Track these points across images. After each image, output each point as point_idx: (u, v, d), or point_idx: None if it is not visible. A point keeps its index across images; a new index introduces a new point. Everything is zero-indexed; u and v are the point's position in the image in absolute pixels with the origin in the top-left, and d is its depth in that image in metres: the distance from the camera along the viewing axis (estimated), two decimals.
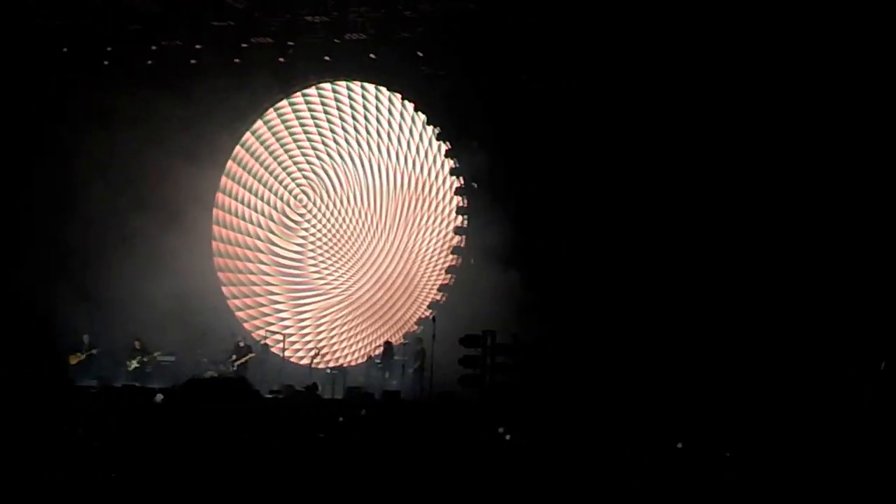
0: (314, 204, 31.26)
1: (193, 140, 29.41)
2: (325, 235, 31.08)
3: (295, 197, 31.44)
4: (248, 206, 31.67)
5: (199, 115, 29.51)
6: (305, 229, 31.35)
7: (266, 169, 31.67)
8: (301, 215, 31.42)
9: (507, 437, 16.94)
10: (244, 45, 29.20)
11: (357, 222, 30.73)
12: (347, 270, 30.79)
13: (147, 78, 29.65)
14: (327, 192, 31.09)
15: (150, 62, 29.79)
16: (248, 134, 31.40)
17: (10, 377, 19.88)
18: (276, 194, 31.64)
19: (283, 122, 31.40)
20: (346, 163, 30.88)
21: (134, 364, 29.14)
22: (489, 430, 17.50)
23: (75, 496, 8.22)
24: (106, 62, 29.65)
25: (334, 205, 30.99)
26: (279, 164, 31.61)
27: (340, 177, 30.94)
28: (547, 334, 24.81)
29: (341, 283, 30.83)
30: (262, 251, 31.64)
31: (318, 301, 30.96)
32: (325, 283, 30.99)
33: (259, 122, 31.36)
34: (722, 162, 24.60)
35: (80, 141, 28.78)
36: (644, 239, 25.09)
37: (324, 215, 31.10)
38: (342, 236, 30.83)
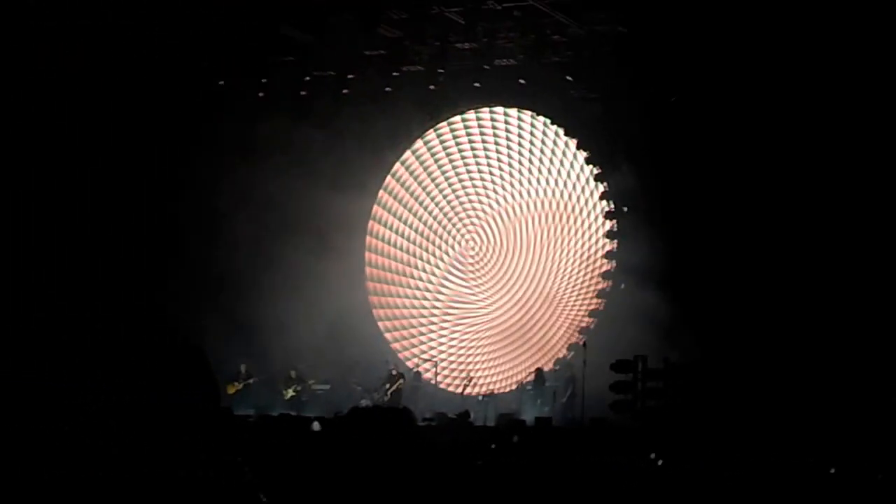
0: (465, 230, 31.38)
1: (342, 168, 29.72)
2: (476, 262, 31.16)
3: (446, 225, 31.59)
4: (400, 235, 31.97)
5: (349, 144, 29.90)
6: (457, 256, 31.45)
7: (415, 197, 31.95)
8: (451, 241, 31.55)
9: (660, 462, 16.81)
10: (395, 74, 29.36)
11: (507, 246, 30.75)
12: (498, 294, 30.83)
13: (300, 108, 30.03)
14: (479, 218, 31.17)
15: (303, 93, 30.15)
16: (398, 164, 31.73)
17: (168, 405, 20.13)
18: (424, 223, 31.88)
19: (431, 151, 31.66)
20: (495, 187, 30.96)
21: (290, 393, 29.34)
22: (642, 456, 17.36)
23: None
24: (261, 94, 30.06)
25: (485, 231, 31.06)
26: (427, 193, 31.88)
27: (490, 201, 31.02)
28: (699, 358, 24.31)
29: (492, 307, 30.87)
30: (413, 277, 31.82)
31: (469, 325, 31.03)
32: (477, 308, 31.05)
33: (408, 152, 31.68)
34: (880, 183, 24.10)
35: (228, 170, 29.16)
36: (798, 259, 24.57)
37: (475, 241, 31.20)
38: (492, 261, 30.88)
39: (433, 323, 31.57)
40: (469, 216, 31.46)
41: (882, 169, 24.21)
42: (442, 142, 31.57)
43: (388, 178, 31.79)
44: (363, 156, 30.78)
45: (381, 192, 31.86)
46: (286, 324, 27.93)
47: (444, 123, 31.32)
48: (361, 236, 31.73)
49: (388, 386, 29.00)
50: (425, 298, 31.75)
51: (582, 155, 29.47)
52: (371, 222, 31.81)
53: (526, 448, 18.84)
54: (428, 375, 30.39)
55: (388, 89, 29.70)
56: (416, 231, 32.00)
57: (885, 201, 24.18)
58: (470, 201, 31.45)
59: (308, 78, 30.00)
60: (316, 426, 15.38)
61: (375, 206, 31.80)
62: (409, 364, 30.76)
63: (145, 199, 28.91)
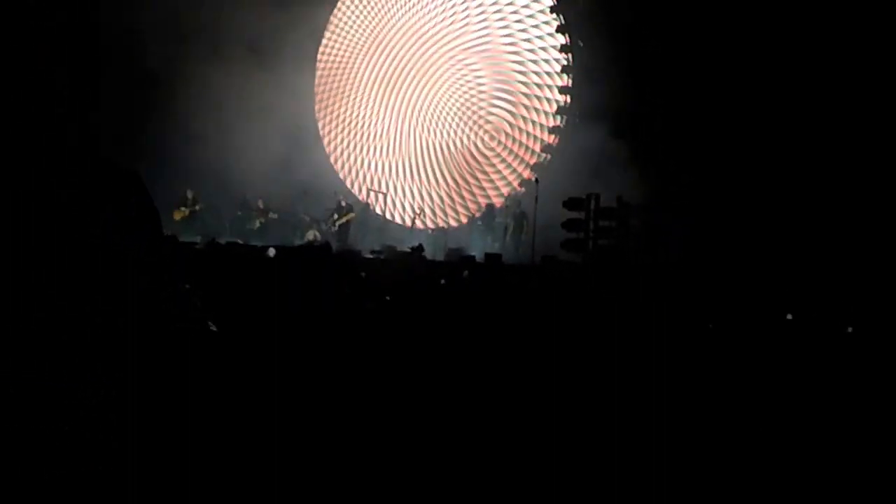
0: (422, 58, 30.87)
1: None
2: (433, 96, 30.76)
3: (402, 53, 31.06)
4: (349, 61, 31.42)
5: None
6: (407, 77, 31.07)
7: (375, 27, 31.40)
8: (405, 73, 31.09)
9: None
10: None
11: (461, 75, 30.33)
12: (450, 126, 30.45)
13: None
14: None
15: None
16: None
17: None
18: (386, 54, 31.36)
19: None
20: (454, 13, 30.39)
21: (257, 224, 29.09)
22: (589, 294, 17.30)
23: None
24: None
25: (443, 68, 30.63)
26: (386, 23, 31.28)
27: (447, 26, 30.50)
28: (652, 198, 24.16)
29: (444, 140, 30.54)
30: (362, 97, 31.41)
31: (420, 157, 30.77)
32: (428, 140, 30.74)
33: None
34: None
35: None
36: (754, 107, 24.23)
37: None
38: (444, 88, 30.51)
39: (384, 156, 31.19)
40: (430, 58, 30.83)
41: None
42: None
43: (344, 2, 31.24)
44: None
45: (334, 16, 31.36)
46: (235, 150, 27.47)
47: None
48: (313, 63, 31.22)
49: (335, 217, 28.75)
50: (377, 130, 31.33)
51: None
52: (322, 47, 31.37)
53: (475, 282, 18.84)
54: (378, 208, 30.16)
55: None
56: (373, 66, 31.50)
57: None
58: (428, 27, 30.80)
59: None
60: (272, 252, 15.16)
61: (328, 31, 31.31)
62: (359, 197, 30.51)
63: None
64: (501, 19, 29.38)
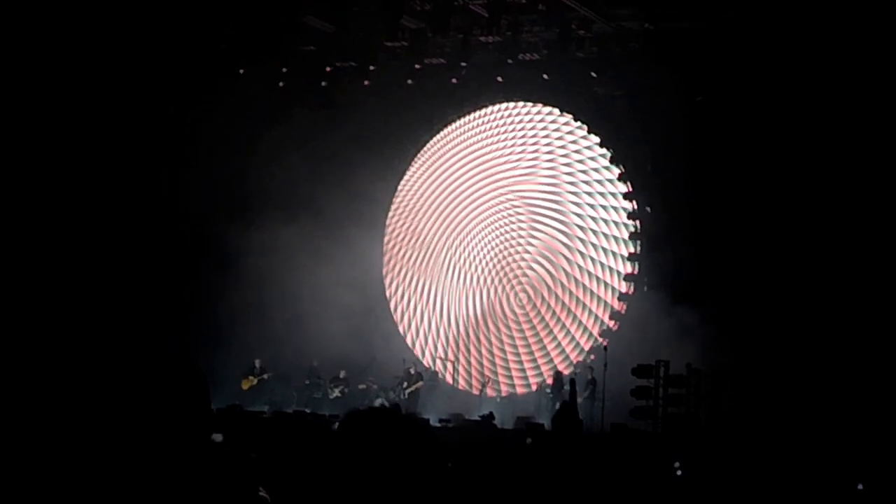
0: (487, 228, 31.21)
1: (360, 163, 29.44)
2: (494, 257, 30.89)
3: (468, 221, 31.39)
4: (421, 230, 31.91)
5: (370, 137, 29.85)
6: (477, 251, 31.27)
7: (435, 190, 31.94)
8: (472, 238, 31.40)
9: (679, 472, 16.64)
10: (417, 66, 29.16)
11: (527, 247, 30.51)
12: (518, 296, 30.51)
13: (321, 98, 29.85)
14: (500, 216, 30.96)
15: (323, 83, 29.96)
16: (418, 157, 31.84)
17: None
18: (444, 220, 31.82)
19: (452, 144, 31.61)
20: (517, 183, 30.73)
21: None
22: (663, 464, 17.21)
23: None
24: (281, 83, 29.90)
25: (506, 230, 30.84)
26: (448, 186, 31.79)
27: (511, 199, 30.80)
28: (722, 365, 23.90)
29: (511, 309, 30.57)
30: (432, 268, 31.65)
31: (489, 326, 30.76)
32: (497, 310, 30.77)
33: (428, 145, 31.71)
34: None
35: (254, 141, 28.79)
36: (825, 265, 24.14)
37: (493, 236, 31.03)
38: (512, 262, 30.63)
39: (452, 323, 31.32)
40: (490, 213, 31.15)
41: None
42: (464, 135, 31.48)
43: (408, 174, 31.82)
44: (384, 149, 30.75)
45: (400, 186, 31.86)
46: (303, 318, 27.61)
47: (466, 117, 31.18)
48: (381, 231, 31.60)
49: (405, 385, 28.73)
50: (444, 298, 31.51)
51: (606, 153, 29.14)
52: (390, 216, 31.82)
53: (542, 451, 18.70)
54: (447, 376, 30.21)
55: (409, 82, 29.47)
56: (434, 228, 31.80)
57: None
58: (490, 198, 31.17)
59: (329, 68, 29.85)
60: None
61: (395, 200, 31.81)
62: (426, 363, 30.57)
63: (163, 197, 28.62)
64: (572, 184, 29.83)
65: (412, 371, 29.19)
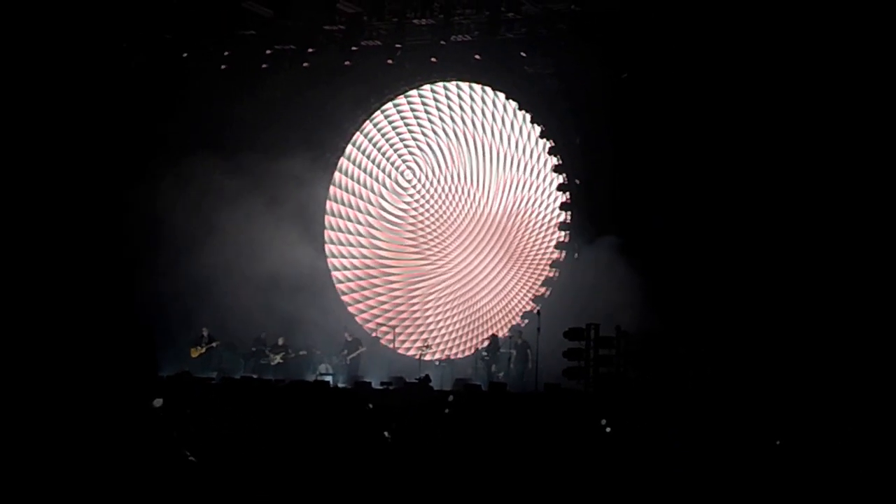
0: (422, 201, 31.98)
1: (302, 138, 30.30)
2: (431, 231, 31.77)
3: (403, 196, 32.15)
4: (361, 198, 32.45)
5: (309, 115, 30.53)
6: (415, 217, 32.10)
7: (375, 165, 32.39)
8: (408, 211, 32.15)
9: (608, 429, 16.94)
10: (354, 49, 29.74)
11: (462, 217, 31.29)
12: (454, 263, 31.42)
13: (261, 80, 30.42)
14: (435, 190, 31.75)
15: (264, 66, 30.58)
16: (357, 134, 32.18)
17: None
18: (381, 194, 32.37)
19: (390, 122, 32.06)
20: (451, 159, 31.50)
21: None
22: (593, 422, 17.51)
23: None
24: (223, 66, 30.52)
25: (441, 202, 31.60)
26: (387, 161, 32.29)
27: (446, 173, 31.58)
28: (651, 327, 24.72)
29: (448, 276, 31.48)
30: (374, 238, 32.41)
31: (427, 293, 31.65)
32: (433, 277, 31.66)
33: (368, 122, 32.10)
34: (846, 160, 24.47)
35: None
36: (752, 231, 25.00)
37: (431, 211, 31.82)
38: (448, 231, 31.46)
39: (391, 290, 32.07)
40: (426, 188, 31.89)
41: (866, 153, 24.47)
42: (400, 113, 31.93)
43: (349, 146, 32.19)
44: (322, 127, 31.35)
45: (341, 160, 32.26)
46: (246, 288, 28.48)
47: (402, 97, 31.70)
48: (322, 203, 32.18)
49: (346, 352, 29.54)
50: (383, 266, 32.25)
51: (534, 128, 29.92)
52: (332, 188, 32.21)
53: (478, 411, 19.04)
54: (385, 341, 30.94)
55: (347, 63, 30.10)
56: (373, 202, 32.43)
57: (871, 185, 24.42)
58: (426, 174, 31.86)
59: (269, 52, 30.40)
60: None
61: (336, 174, 32.22)
62: (366, 328, 31.32)
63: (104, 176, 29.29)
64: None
65: (349, 338, 29.85)
